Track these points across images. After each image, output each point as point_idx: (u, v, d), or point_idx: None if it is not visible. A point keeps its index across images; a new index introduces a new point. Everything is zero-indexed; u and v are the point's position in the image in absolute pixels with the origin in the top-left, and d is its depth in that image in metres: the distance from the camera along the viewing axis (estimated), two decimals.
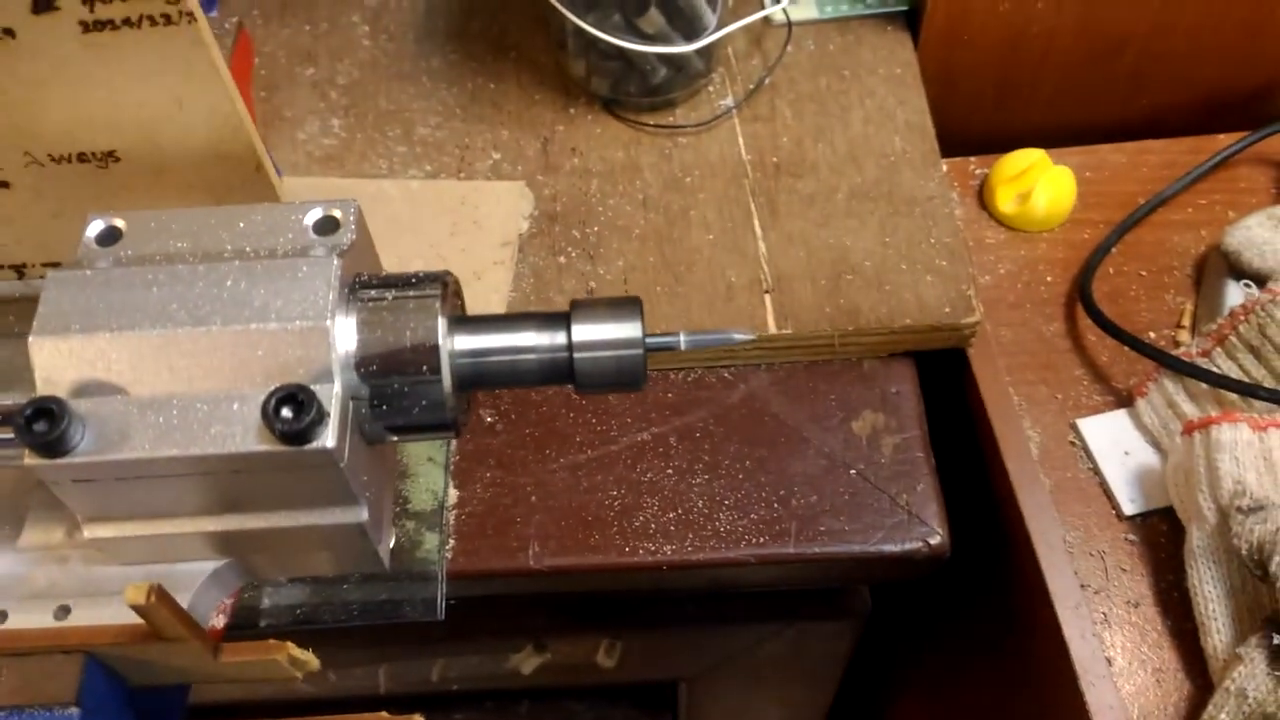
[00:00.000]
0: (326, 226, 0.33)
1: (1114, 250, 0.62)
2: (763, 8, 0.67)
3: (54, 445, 0.29)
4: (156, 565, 0.34)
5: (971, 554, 0.56)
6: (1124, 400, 0.57)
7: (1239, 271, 0.58)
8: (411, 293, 0.32)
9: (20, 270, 0.40)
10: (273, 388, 0.30)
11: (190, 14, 0.33)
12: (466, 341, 0.33)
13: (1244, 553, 0.47)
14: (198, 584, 0.33)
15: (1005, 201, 0.64)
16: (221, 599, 0.35)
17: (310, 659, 0.34)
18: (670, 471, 0.56)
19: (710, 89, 0.66)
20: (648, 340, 0.33)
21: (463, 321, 0.33)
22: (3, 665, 0.32)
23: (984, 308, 0.57)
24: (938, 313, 0.56)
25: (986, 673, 0.66)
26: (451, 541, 0.53)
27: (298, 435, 0.30)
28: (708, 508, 0.56)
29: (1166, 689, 0.49)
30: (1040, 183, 0.63)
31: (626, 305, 0.33)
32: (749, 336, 0.37)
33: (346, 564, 0.37)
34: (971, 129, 0.68)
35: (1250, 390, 0.51)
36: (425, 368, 0.32)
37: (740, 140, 0.64)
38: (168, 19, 0.32)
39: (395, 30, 0.67)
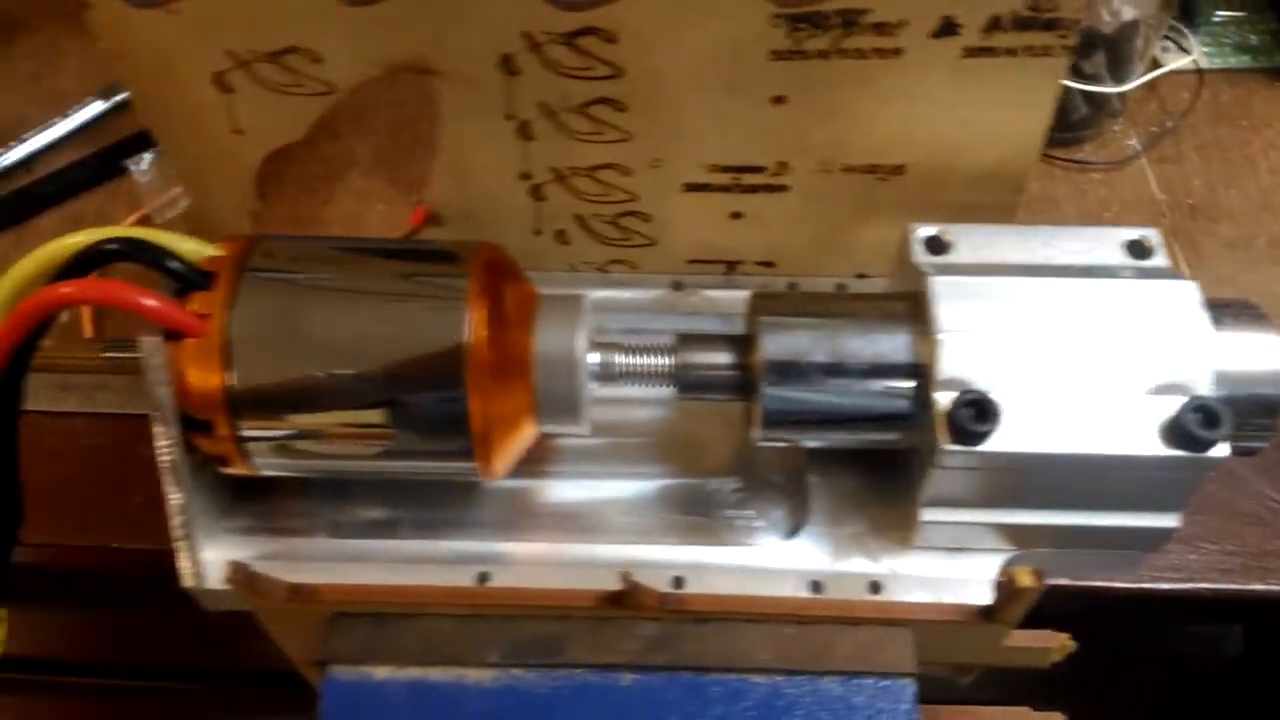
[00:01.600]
0: (1138, 250, 0.34)
1: None
2: (1159, 61, 0.68)
3: (977, 436, 0.31)
4: (950, 552, 0.35)
5: None
6: None
7: None
8: (1247, 317, 0.34)
9: (733, 265, 0.41)
10: (1187, 399, 0.31)
11: (1069, 48, 0.34)
12: None
13: None
14: (992, 573, 0.35)
15: None
16: None
17: (1070, 646, 0.36)
18: None
19: (1115, 130, 0.67)
20: None
21: None
22: (840, 633, 0.34)
23: None
24: None
25: None
26: None
27: (1201, 443, 0.31)
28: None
29: None
30: None
31: None
32: None
33: (1095, 568, 0.38)
34: None
35: None
36: (1267, 389, 0.33)
37: (1152, 181, 0.65)
38: (1046, 51, 0.34)
39: None
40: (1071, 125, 0.66)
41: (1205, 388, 0.32)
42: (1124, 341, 0.32)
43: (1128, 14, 0.62)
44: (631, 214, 0.40)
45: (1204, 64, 0.70)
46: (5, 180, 0.63)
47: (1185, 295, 0.33)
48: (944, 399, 0.32)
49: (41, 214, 0.61)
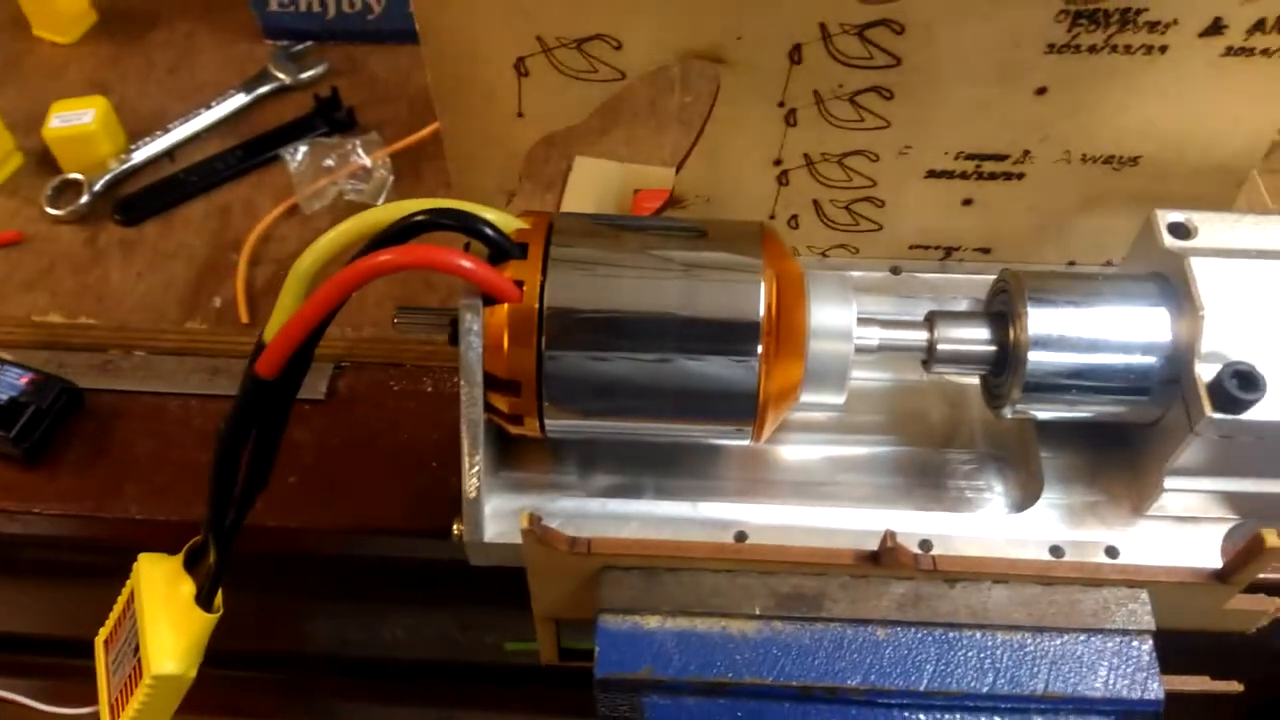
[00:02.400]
0: None
1: None
2: None
3: (1242, 404, 0.33)
4: (1179, 520, 0.38)
5: None
6: None
7: None
8: None
9: (950, 251, 0.43)
10: None
11: None
12: None
13: None
14: (1217, 540, 0.38)
15: None
16: None
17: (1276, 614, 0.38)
18: None
19: None
20: None
21: None
22: (1082, 594, 0.36)
23: None
24: None
25: None
26: None
27: None
28: None
29: None
30: None
31: None
32: None
33: None
34: None
35: None
36: None
37: None
38: None
39: None
40: None
41: None
42: None
43: None
44: (866, 199, 0.42)
45: None
46: (150, 169, 0.65)
47: None
48: (1208, 372, 0.34)
49: (187, 202, 0.63)
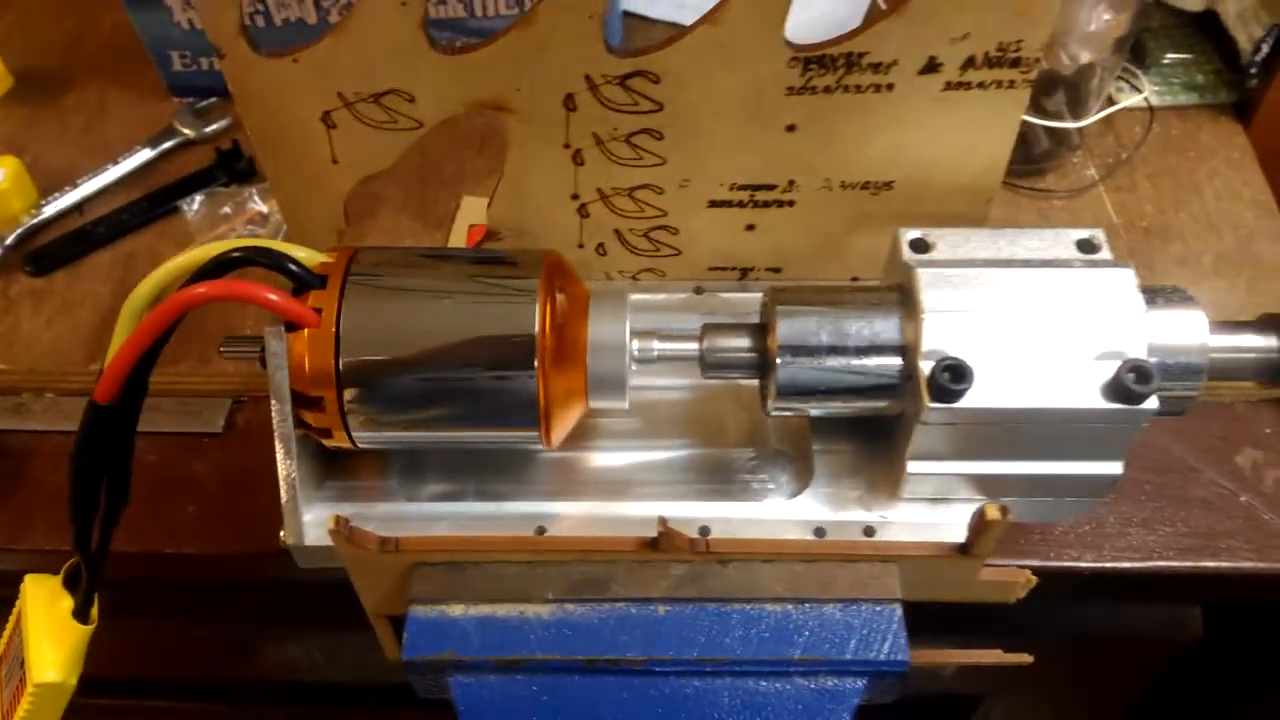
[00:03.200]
0: (1087, 247, 0.42)
1: None
2: (1114, 99, 0.76)
3: (954, 394, 0.38)
4: (933, 502, 0.43)
5: None
6: None
7: None
8: (1175, 299, 0.42)
9: (746, 271, 0.49)
10: (1123, 361, 0.38)
11: (1030, 81, 0.42)
12: (1217, 340, 0.42)
13: None
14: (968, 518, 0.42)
15: None
16: None
17: (1033, 580, 0.43)
18: None
19: (1075, 161, 0.75)
20: None
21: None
22: (839, 569, 0.40)
23: None
24: None
25: None
26: None
27: (1136, 397, 0.38)
28: (1119, 524, 0.63)
29: None
30: None
31: None
32: None
33: (1055, 514, 0.45)
34: None
35: None
36: (1189, 358, 0.41)
37: (1109, 206, 0.73)
38: (1011, 84, 0.41)
39: None
40: (1035, 158, 0.74)
41: (1139, 353, 0.39)
42: (1073, 317, 0.40)
43: (1084, 58, 0.70)
44: (661, 228, 0.47)
45: (1155, 101, 0.79)
46: (60, 223, 0.69)
47: (1124, 280, 0.41)
48: (927, 367, 0.39)
49: (94, 252, 0.68)
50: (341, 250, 0.41)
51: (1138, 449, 0.65)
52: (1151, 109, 0.78)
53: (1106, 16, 0.69)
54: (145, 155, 0.73)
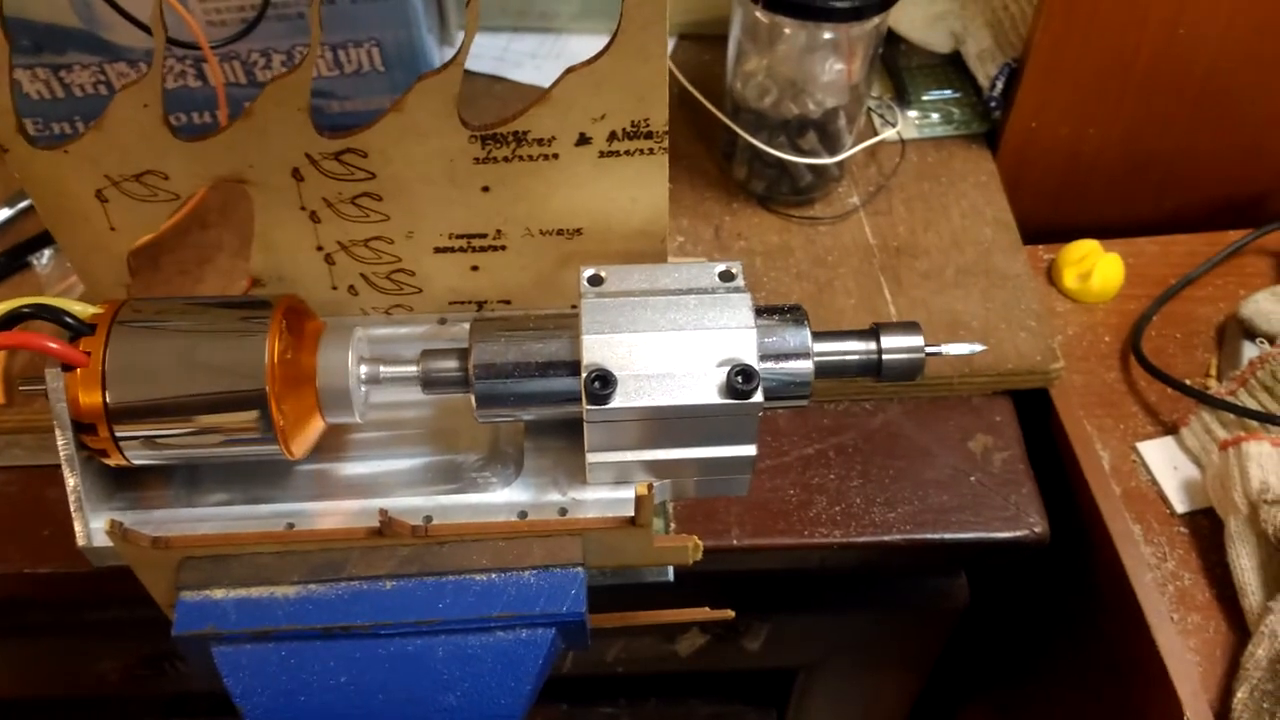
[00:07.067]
0: (726, 277, 0.52)
1: (1154, 318, 0.81)
2: (876, 132, 0.87)
3: (603, 398, 0.47)
4: (615, 485, 0.52)
5: (1056, 551, 0.73)
6: (1170, 429, 0.76)
7: (1251, 333, 0.78)
8: (790, 316, 0.51)
9: (481, 304, 0.58)
10: (733, 365, 0.48)
11: (666, 149, 0.52)
12: (821, 346, 0.52)
13: (1270, 534, 0.65)
14: None
15: (1070, 280, 0.83)
16: None
17: (700, 545, 0.51)
18: (832, 476, 0.73)
19: (840, 190, 0.86)
20: (926, 349, 0.52)
21: (817, 335, 0.52)
22: (534, 543, 0.50)
23: None
24: (1031, 361, 0.74)
25: (1068, 645, 0.83)
26: (673, 525, 0.70)
27: (743, 393, 0.48)
28: (864, 504, 0.73)
29: (1215, 637, 0.67)
30: (1096, 266, 0.82)
31: (911, 326, 0.52)
32: (980, 348, 0.54)
33: (719, 489, 0.55)
34: (1039, 223, 0.88)
35: (1268, 418, 0.70)
36: (797, 361, 0.51)
37: (867, 229, 0.83)
38: (650, 151, 0.51)
39: None
40: (801, 190, 0.84)
41: (747, 359, 0.49)
42: (700, 332, 0.49)
43: (830, 103, 0.81)
44: (400, 271, 0.57)
45: (914, 134, 0.90)
46: None
47: (743, 302, 0.50)
48: (584, 377, 0.49)
49: None
50: (111, 303, 0.50)
51: (886, 439, 0.75)
52: (903, 141, 0.88)
53: (839, 67, 0.79)
54: (3, 214, 0.81)
